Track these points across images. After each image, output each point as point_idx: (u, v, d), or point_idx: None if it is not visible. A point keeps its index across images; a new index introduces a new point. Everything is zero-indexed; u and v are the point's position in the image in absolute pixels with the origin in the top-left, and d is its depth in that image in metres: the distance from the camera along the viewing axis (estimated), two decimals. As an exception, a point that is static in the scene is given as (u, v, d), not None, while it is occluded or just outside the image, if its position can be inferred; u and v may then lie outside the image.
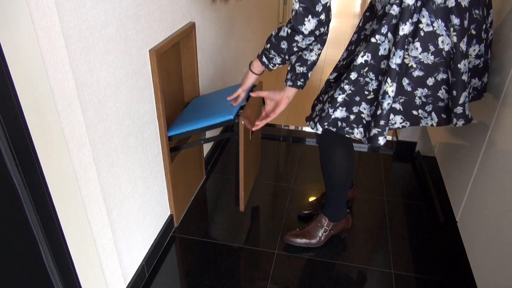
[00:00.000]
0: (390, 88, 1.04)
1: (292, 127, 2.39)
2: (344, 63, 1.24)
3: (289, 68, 1.23)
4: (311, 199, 1.78)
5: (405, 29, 0.98)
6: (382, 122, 1.08)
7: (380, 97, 1.06)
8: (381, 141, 1.10)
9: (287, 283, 1.38)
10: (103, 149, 1.04)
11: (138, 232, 1.31)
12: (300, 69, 1.21)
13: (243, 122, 1.30)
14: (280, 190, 1.85)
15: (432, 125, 1.14)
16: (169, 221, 1.55)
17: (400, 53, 1.00)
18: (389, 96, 1.05)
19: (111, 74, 1.03)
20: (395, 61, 1.01)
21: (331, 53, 3.71)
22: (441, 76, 1.04)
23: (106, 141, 1.05)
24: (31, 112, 0.80)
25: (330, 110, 1.15)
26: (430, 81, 1.06)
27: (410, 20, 0.98)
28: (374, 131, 1.10)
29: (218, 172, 1.97)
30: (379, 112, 1.07)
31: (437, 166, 1.62)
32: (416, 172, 1.98)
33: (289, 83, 1.24)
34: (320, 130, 1.17)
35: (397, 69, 1.02)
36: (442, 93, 1.07)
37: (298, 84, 1.23)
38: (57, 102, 0.82)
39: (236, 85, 1.48)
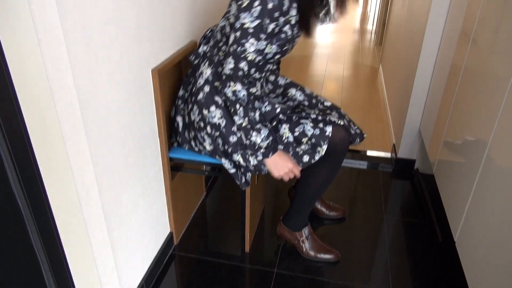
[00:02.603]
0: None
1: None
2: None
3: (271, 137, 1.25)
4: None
5: None
6: None
7: None
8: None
9: (287, 303, 1.38)
10: (105, 169, 1.04)
11: (138, 251, 1.31)
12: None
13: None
14: (280, 209, 1.86)
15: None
16: (169, 239, 1.55)
17: None
18: None
19: (114, 95, 1.05)
20: None
21: (331, 68, 3.75)
22: None
23: (108, 161, 1.06)
24: (37, 134, 0.81)
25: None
26: None
27: None
28: None
29: (218, 189, 1.97)
30: None
31: (436, 184, 1.63)
32: (415, 189, 1.99)
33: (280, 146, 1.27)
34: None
35: None
36: None
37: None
38: (62, 124, 0.84)
39: None
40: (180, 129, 1.37)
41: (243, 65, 1.13)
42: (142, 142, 1.25)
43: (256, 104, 1.21)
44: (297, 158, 1.27)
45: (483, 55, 1.24)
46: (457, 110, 1.43)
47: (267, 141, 1.22)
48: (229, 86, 1.16)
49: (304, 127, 1.27)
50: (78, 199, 0.92)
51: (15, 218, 0.82)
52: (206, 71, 1.27)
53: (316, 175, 1.40)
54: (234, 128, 1.26)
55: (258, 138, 1.21)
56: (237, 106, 1.19)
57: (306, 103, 1.43)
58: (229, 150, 1.28)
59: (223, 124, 1.26)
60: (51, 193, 0.89)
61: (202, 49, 1.32)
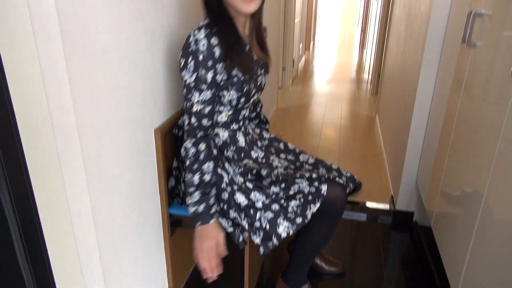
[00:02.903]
0: None
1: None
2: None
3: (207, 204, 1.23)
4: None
5: None
6: None
7: None
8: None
9: None
10: (106, 231, 1.06)
11: (135, 310, 1.30)
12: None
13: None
14: (279, 264, 1.84)
15: None
16: (167, 296, 1.53)
17: None
18: None
19: (118, 156, 1.08)
20: None
21: (328, 117, 3.83)
22: None
23: (110, 220, 1.08)
24: (42, 197, 0.83)
25: None
26: None
27: None
28: None
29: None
30: None
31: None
32: (415, 242, 1.98)
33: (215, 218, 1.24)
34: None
35: None
36: None
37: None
38: (68, 190, 0.87)
39: None
40: (181, 194, 1.40)
41: (193, 119, 1.17)
42: (143, 199, 1.27)
43: (206, 166, 1.20)
44: (287, 218, 1.26)
45: (475, 103, 1.26)
46: (452, 160, 1.45)
47: (194, 208, 1.21)
48: (185, 141, 1.20)
49: (299, 186, 1.30)
50: (79, 263, 0.93)
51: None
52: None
53: (316, 231, 1.40)
54: (224, 185, 1.28)
55: (189, 201, 1.21)
56: (187, 162, 1.20)
57: (292, 166, 1.43)
58: (225, 207, 1.30)
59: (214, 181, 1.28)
60: (53, 257, 0.90)
61: (182, 119, 1.35)
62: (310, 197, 1.28)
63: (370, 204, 2.31)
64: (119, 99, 1.05)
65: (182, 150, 1.20)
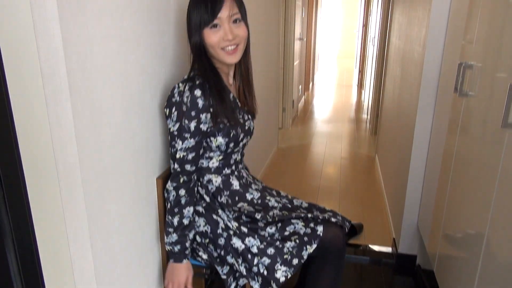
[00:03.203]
0: None
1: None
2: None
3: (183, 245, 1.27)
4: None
5: None
6: None
7: None
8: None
9: None
10: (107, 280, 1.06)
11: None
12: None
13: None
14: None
15: None
16: None
17: None
18: None
19: (120, 207, 1.10)
20: None
21: (329, 157, 3.86)
22: None
23: (111, 270, 1.08)
24: (45, 251, 0.84)
25: None
26: None
27: None
28: None
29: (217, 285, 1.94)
30: None
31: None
32: (419, 287, 1.95)
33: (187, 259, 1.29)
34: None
35: None
36: None
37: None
38: (71, 246, 0.88)
39: None
40: None
41: (176, 165, 1.21)
42: (144, 248, 1.27)
43: (186, 211, 1.24)
44: (284, 260, 1.26)
45: (472, 145, 1.27)
46: (452, 201, 1.44)
47: (170, 247, 1.26)
48: (168, 183, 1.24)
49: (295, 227, 1.31)
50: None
51: None
52: None
53: (322, 280, 1.38)
54: (220, 230, 1.29)
55: (167, 240, 1.26)
56: (167, 204, 1.25)
57: (289, 205, 1.44)
58: (222, 253, 1.30)
59: (209, 230, 1.30)
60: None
61: None
62: (305, 238, 1.28)
63: (372, 247, 2.30)
64: (123, 150, 1.09)
65: (165, 191, 1.25)
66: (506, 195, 1.01)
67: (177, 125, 1.18)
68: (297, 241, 1.28)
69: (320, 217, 1.34)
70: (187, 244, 1.27)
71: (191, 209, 1.26)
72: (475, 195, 1.23)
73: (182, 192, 1.23)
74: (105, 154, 1.00)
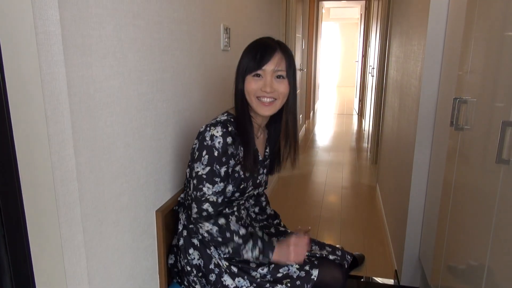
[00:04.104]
0: None
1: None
2: None
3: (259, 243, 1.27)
4: None
5: None
6: None
7: None
8: None
9: None
10: (104, 316, 1.05)
11: None
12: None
13: None
14: None
15: None
16: None
17: None
18: None
19: (119, 240, 1.11)
20: None
21: (330, 187, 3.86)
22: None
23: (108, 307, 1.07)
24: (41, 278, 0.84)
25: None
26: None
27: None
28: None
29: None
30: None
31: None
32: (422, 321, 1.91)
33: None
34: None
35: None
36: None
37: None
38: (68, 281, 0.88)
39: None
40: (180, 272, 1.39)
41: (206, 206, 1.21)
42: (142, 282, 1.27)
43: (235, 227, 1.25)
44: None
45: (470, 175, 1.28)
46: (453, 233, 1.44)
47: (257, 251, 1.23)
48: (201, 228, 1.23)
49: (289, 269, 1.29)
50: None
51: None
52: (182, 217, 1.35)
53: None
54: (212, 266, 1.29)
55: (248, 253, 1.23)
56: (218, 240, 1.23)
57: None
58: None
59: (202, 264, 1.29)
60: None
61: (181, 196, 1.41)
62: (298, 282, 1.26)
63: (375, 279, 2.26)
64: (123, 184, 1.10)
65: (206, 235, 1.23)
66: (505, 227, 1.00)
67: (207, 169, 1.19)
68: (289, 285, 1.26)
69: (317, 255, 1.33)
70: (260, 235, 1.28)
71: (235, 224, 1.26)
72: (474, 226, 1.22)
73: (222, 221, 1.23)
74: (106, 189, 1.02)
